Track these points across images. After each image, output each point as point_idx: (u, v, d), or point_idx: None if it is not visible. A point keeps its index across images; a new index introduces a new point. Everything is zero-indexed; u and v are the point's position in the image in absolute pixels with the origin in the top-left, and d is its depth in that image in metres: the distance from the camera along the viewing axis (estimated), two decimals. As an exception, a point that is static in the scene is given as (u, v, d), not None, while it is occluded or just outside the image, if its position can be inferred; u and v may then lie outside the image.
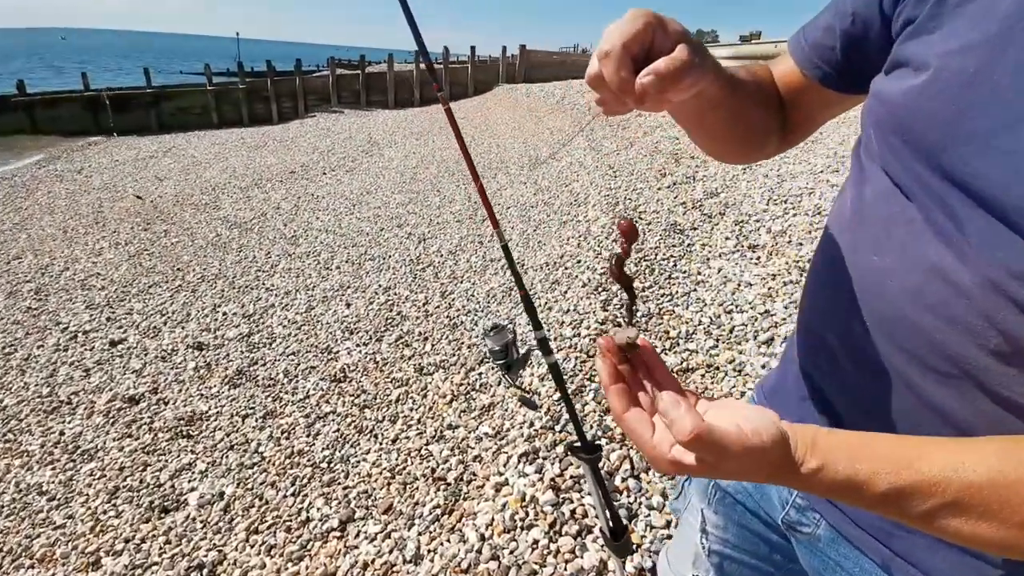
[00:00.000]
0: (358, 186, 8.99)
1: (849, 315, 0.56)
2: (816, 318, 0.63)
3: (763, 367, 2.78)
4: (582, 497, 1.91)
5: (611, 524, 1.00)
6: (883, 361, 0.53)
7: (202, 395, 3.47)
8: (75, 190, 10.02)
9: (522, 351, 1.57)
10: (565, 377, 2.69)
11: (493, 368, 2.88)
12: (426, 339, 3.67)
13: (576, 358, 2.88)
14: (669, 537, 1.69)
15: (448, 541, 1.85)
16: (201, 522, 2.28)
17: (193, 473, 2.65)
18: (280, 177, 10.15)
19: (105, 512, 2.47)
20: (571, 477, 2.00)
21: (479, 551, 1.73)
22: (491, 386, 2.88)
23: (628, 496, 1.90)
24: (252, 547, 2.06)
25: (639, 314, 3.36)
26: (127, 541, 2.24)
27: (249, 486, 2.45)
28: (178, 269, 6.03)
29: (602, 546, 1.71)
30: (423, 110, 19.08)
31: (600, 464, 1.40)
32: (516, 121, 13.57)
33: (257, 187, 9.55)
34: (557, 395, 2.50)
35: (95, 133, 14.52)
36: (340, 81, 18.75)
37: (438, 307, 4.17)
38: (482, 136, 12.23)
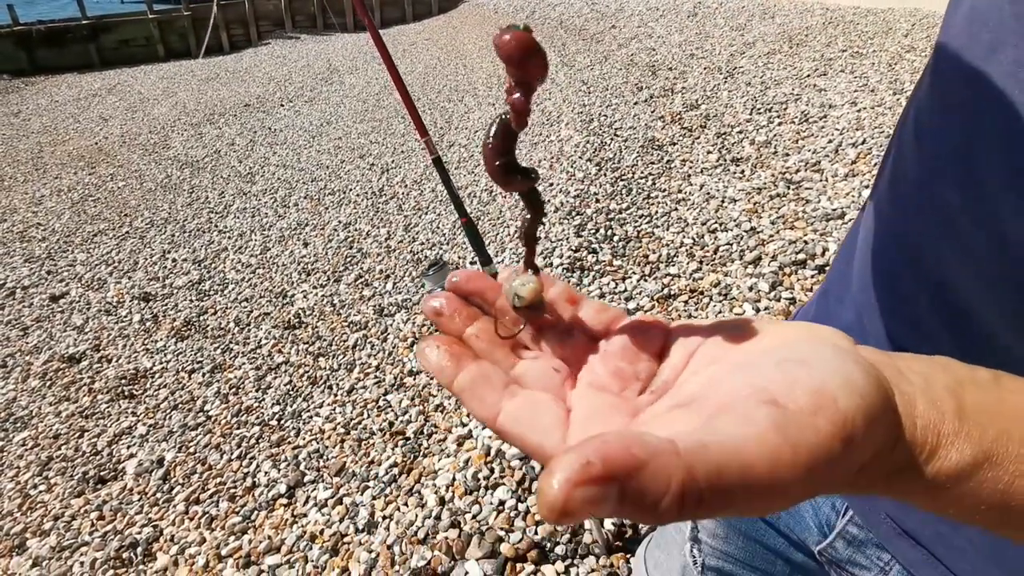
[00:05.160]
0: (317, 117, 8.44)
1: None
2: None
3: (750, 289, 2.55)
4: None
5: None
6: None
7: (147, 350, 3.20)
8: (12, 135, 9.32)
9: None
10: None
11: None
12: (387, 277, 3.39)
13: (548, 290, 2.63)
14: (652, 529, 1.48)
15: (406, 506, 1.64)
16: (138, 493, 2.06)
17: (133, 438, 2.41)
18: (234, 111, 9.49)
19: (35, 487, 2.24)
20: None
21: (438, 517, 1.53)
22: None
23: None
24: (191, 519, 1.85)
25: (608, 244, 3.07)
26: (56, 519, 2.02)
27: (192, 450, 2.22)
28: (125, 215, 5.62)
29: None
30: (383, 32, 17.96)
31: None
32: (484, 40, 12.76)
33: (209, 123, 8.93)
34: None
35: (31, 73, 13.38)
36: (294, 3, 17.45)
37: (401, 242, 3.87)
38: (448, 57, 11.51)
